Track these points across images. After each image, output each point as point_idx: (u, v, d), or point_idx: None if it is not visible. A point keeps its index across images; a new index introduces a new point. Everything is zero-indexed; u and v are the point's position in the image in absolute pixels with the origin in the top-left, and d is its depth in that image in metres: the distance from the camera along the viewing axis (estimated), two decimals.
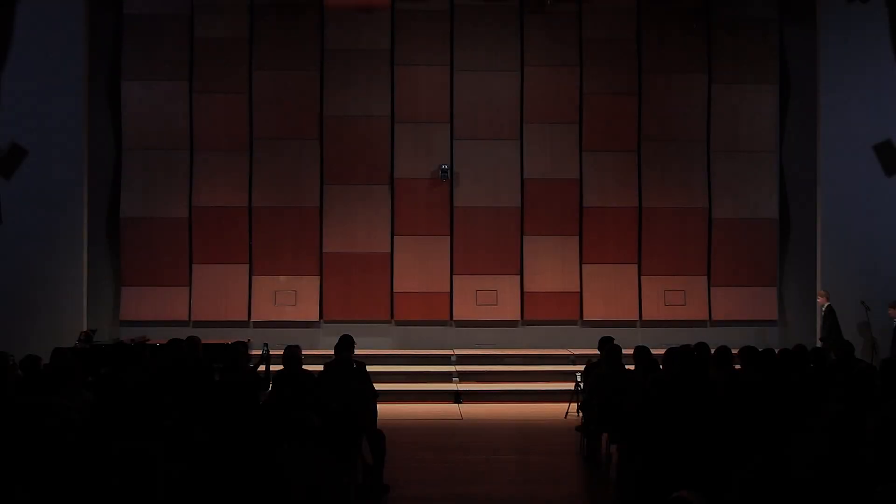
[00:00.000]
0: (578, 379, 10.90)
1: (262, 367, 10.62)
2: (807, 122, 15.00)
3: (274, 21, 14.97)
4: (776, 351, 9.14)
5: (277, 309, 14.82)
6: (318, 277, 14.91)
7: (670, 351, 8.41)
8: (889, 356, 11.56)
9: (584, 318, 14.96)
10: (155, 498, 4.49)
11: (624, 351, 9.32)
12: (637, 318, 14.94)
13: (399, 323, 14.94)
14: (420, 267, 14.89)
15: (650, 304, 15.02)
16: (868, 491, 4.15)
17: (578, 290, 14.99)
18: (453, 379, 13.63)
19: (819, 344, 13.25)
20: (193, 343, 9.36)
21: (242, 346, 9.35)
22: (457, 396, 13.06)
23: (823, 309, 13.83)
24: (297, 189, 14.94)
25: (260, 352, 11.09)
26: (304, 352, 8.79)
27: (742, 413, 6.11)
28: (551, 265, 14.86)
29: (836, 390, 6.46)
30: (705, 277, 15.02)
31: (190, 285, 14.81)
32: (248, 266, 14.88)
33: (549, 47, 15.09)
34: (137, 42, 14.79)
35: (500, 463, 9.56)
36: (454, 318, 14.91)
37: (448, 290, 14.88)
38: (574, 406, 11.20)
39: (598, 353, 10.04)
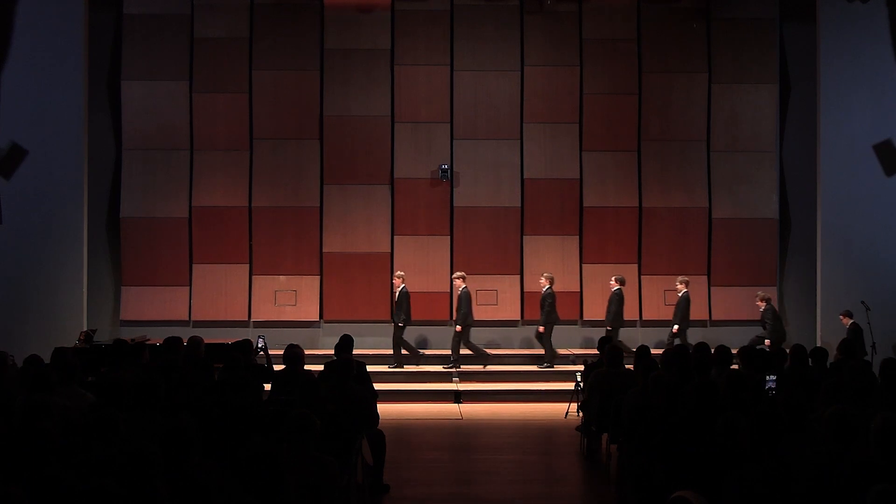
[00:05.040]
0: (578, 379, 10.91)
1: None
2: (807, 122, 14.98)
3: (274, 21, 14.98)
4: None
5: (277, 309, 14.82)
6: (318, 277, 14.92)
7: (667, 352, 8.44)
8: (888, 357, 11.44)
9: (584, 318, 14.97)
10: (155, 498, 4.49)
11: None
12: (637, 318, 14.94)
13: None
14: (420, 267, 14.88)
15: (650, 304, 15.03)
16: (867, 491, 4.15)
17: (578, 289, 14.99)
18: (453, 379, 13.63)
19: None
20: (195, 343, 9.34)
21: (248, 345, 9.31)
22: (457, 396, 13.06)
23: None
24: (297, 189, 14.95)
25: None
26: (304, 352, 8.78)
27: (742, 413, 6.11)
28: (551, 265, 14.84)
29: (832, 390, 6.45)
30: (705, 277, 15.02)
31: (190, 285, 14.81)
32: (248, 266, 14.89)
33: (549, 47, 15.09)
34: (137, 42, 14.80)
35: (500, 463, 9.56)
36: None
37: (448, 290, 14.88)
38: (574, 406, 11.20)
39: (598, 352, 10.05)
